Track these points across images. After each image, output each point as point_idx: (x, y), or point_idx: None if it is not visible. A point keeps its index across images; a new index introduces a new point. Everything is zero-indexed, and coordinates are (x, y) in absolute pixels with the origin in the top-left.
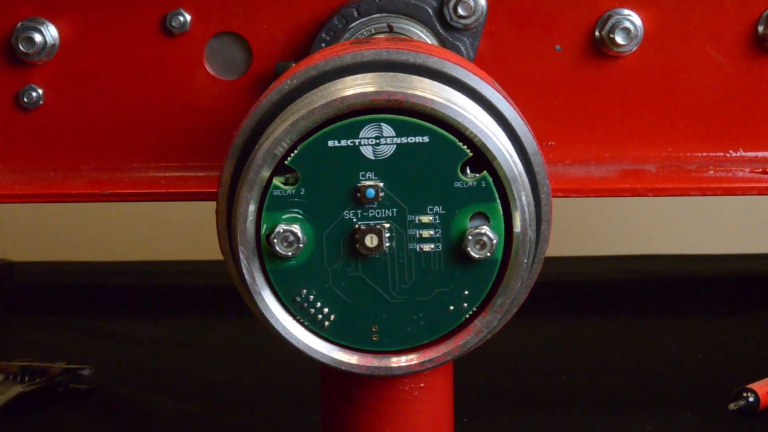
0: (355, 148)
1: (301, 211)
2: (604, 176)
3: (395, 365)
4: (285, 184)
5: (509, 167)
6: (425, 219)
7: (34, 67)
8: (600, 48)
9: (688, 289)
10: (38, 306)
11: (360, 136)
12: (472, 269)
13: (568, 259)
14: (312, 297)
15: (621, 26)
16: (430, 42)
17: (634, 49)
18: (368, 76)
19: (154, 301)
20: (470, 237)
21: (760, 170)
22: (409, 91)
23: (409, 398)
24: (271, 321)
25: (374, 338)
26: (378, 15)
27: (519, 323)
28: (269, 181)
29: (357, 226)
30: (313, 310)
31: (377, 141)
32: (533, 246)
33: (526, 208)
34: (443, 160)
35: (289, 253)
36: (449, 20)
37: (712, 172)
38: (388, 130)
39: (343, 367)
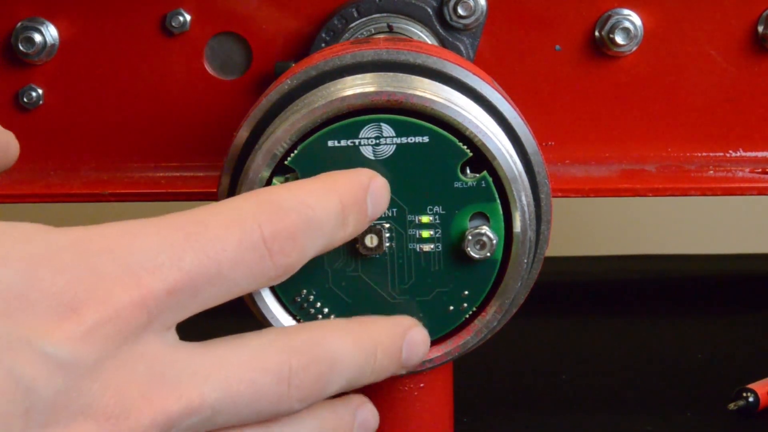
0: (355, 148)
1: None
2: (604, 176)
3: None
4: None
5: (509, 167)
6: (425, 219)
7: (34, 67)
8: (600, 48)
9: (688, 289)
10: None
11: (360, 136)
12: (471, 269)
13: (568, 259)
14: (312, 297)
15: (621, 26)
16: (429, 42)
17: (634, 49)
18: (368, 76)
19: None
20: (470, 237)
21: (760, 170)
22: (409, 91)
23: (409, 398)
24: (271, 321)
25: None
26: (378, 15)
27: (519, 323)
28: (269, 181)
29: None
30: (312, 310)
31: (377, 141)
32: (533, 246)
33: (526, 209)
34: (443, 160)
35: None
36: (449, 20)
37: (712, 172)
38: (388, 130)
39: None
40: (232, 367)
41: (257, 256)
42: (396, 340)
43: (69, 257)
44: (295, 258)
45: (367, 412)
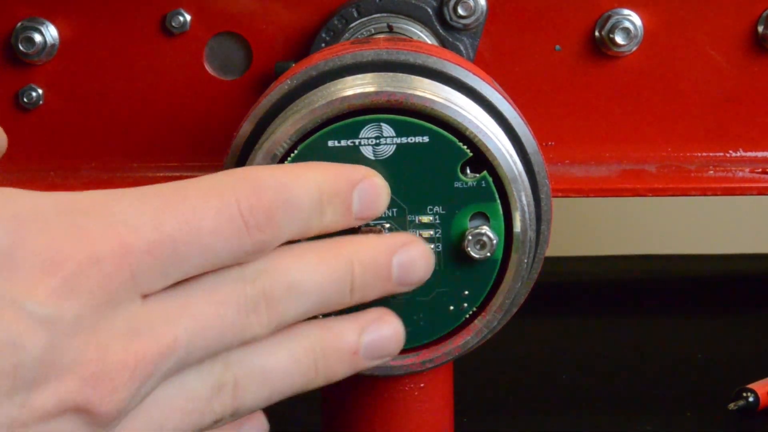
0: (355, 148)
1: None
2: (604, 176)
3: (396, 365)
4: None
5: (509, 167)
6: (425, 219)
7: (34, 67)
8: (600, 48)
9: (689, 289)
10: None
11: (360, 136)
12: (472, 269)
13: (568, 259)
14: None
15: (621, 26)
16: (430, 42)
17: (634, 49)
18: (368, 76)
19: None
20: (470, 237)
21: (760, 170)
22: (409, 91)
23: (409, 398)
24: None
25: None
26: (378, 15)
27: (519, 323)
28: None
29: (357, 226)
30: None
31: (377, 141)
32: (533, 246)
33: (526, 208)
34: (443, 160)
35: None
36: (449, 20)
37: (712, 172)
38: (388, 130)
39: None
40: (197, 305)
41: (235, 228)
42: (379, 255)
43: (53, 217)
44: (270, 235)
45: (379, 326)
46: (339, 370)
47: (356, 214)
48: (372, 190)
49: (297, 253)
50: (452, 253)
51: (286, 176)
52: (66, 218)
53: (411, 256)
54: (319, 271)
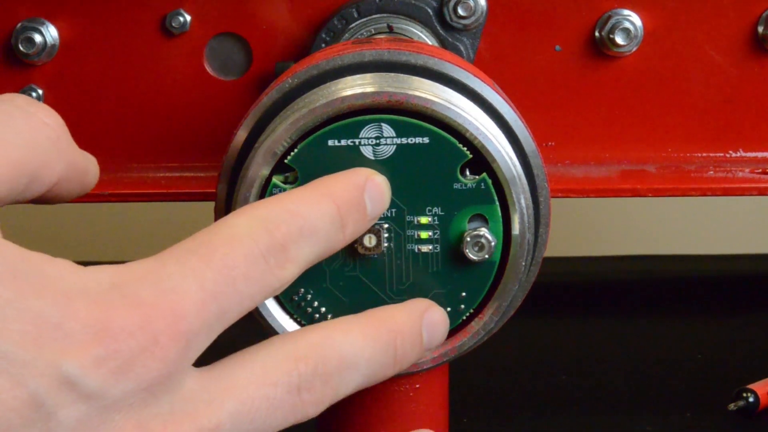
0: (355, 148)
1: None
2: (604, 176)
3: None
4: (284, 182)
5: (508, 169)
6: (424, 220)
7: (34, 67)
8: (600, 48)
9: (688, 289)
10: None
11: (360, 136)
12: (469, 271)
13: (568, 259)
14: (309, 296)
15: (621, 26)
16: (430, 42)
17: (634, 49)
18: (369, 77)
19: None
20: (468, 239)
21: (760, 170)
22: (410, 92)
23: (405, 399)
24: (269, 320)
25: None
26: (378, 15)
27: (519, 323)
28: (269, 179)
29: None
30: (310, 310)
31: (377, 141)
32: (531, 248)
33: (524, 211)
34: (443, 161)
35: None
36: (449, 20)
37: (712, 172)
38: (388, 130)
39: None
40: (243, 387)
41: (260, 270)
42: (415, 325)
43: (104, 291)
44: (290, 269)
45: None
46: None
47: (370, 215)
48: (377, 188)
49: (342, 328)
50: (450, 255)
51: (296, 203)
52: (117, 291)
53: (434, 319)
54: (367, 344)
